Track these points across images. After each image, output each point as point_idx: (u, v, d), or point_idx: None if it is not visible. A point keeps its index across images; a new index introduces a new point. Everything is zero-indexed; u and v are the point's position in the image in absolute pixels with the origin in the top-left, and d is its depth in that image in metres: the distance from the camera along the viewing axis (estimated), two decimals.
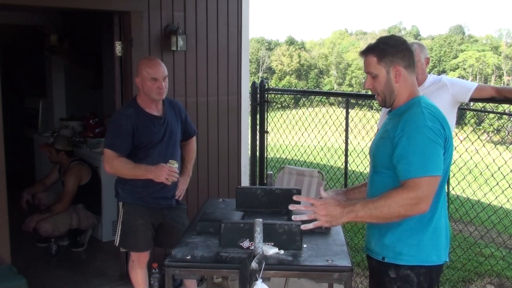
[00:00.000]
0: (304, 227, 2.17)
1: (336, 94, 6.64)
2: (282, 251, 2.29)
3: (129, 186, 3.26)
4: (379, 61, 2.14)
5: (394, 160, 2.06)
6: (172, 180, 3.11)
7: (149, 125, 3.18)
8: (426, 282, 2.14)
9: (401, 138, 2.03)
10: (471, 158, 4.03)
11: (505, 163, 4.00)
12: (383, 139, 2.16)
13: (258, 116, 4.92)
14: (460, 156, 4.01)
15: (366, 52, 2.18)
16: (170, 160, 3.14)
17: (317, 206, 2.09)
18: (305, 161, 6.15)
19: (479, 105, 3.63)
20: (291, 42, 68.71)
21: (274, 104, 5.27)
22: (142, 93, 3.19)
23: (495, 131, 8.01)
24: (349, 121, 4.32)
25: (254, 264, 2.10)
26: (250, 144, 4.96)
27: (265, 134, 4.93)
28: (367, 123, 5.07)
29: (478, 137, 4.18)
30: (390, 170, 2.12)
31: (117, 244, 3.38)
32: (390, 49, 2.13)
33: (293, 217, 2.21)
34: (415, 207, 1.98)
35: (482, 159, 3.91)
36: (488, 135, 8.80)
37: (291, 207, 2.20)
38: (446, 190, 3.35)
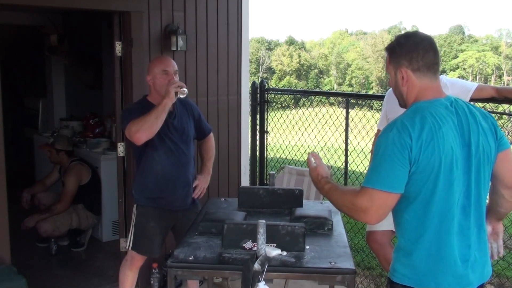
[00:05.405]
0: None
1: (336, 94, 6.61)
2: (284, 253, 2.28)
3: (142, 187, 3.21)
4: (389, 61, 2.00)
5: None
6: (183, 90, 2.99)
7: None
8: None
9: None
10: None
11: None
12: None
13: (258, 116, 4.91)
14: None
15: (385, 50, 2.05)
16: None
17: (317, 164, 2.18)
18: (305, 161, 6.12)
19: (479, 105, 3.61)
20: (291, 42, 68.72)
21: (274, 104, 5.26)
22: (154, 91, 3.16)
23: None
24: (349, 121, 4.32)
25: (256, 266, 2.10)
26: (250, 144, 4.95)
27: (265, 134, 4.93)
28: (367, 123, 5.04)
29: None
30: None
31: (130, 249, 3.27)
32: (398, 48, 1.95)
33: None
34: (355, 214, 1.89)
35: None
36: None
37: None
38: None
